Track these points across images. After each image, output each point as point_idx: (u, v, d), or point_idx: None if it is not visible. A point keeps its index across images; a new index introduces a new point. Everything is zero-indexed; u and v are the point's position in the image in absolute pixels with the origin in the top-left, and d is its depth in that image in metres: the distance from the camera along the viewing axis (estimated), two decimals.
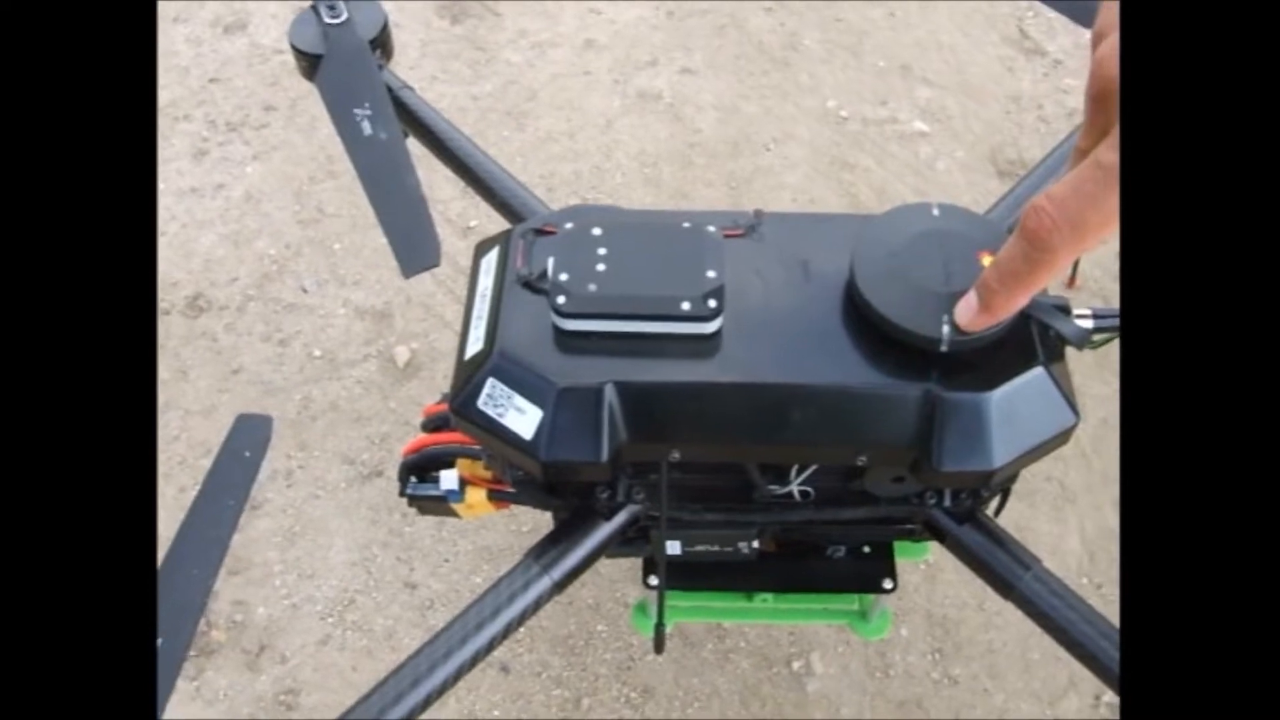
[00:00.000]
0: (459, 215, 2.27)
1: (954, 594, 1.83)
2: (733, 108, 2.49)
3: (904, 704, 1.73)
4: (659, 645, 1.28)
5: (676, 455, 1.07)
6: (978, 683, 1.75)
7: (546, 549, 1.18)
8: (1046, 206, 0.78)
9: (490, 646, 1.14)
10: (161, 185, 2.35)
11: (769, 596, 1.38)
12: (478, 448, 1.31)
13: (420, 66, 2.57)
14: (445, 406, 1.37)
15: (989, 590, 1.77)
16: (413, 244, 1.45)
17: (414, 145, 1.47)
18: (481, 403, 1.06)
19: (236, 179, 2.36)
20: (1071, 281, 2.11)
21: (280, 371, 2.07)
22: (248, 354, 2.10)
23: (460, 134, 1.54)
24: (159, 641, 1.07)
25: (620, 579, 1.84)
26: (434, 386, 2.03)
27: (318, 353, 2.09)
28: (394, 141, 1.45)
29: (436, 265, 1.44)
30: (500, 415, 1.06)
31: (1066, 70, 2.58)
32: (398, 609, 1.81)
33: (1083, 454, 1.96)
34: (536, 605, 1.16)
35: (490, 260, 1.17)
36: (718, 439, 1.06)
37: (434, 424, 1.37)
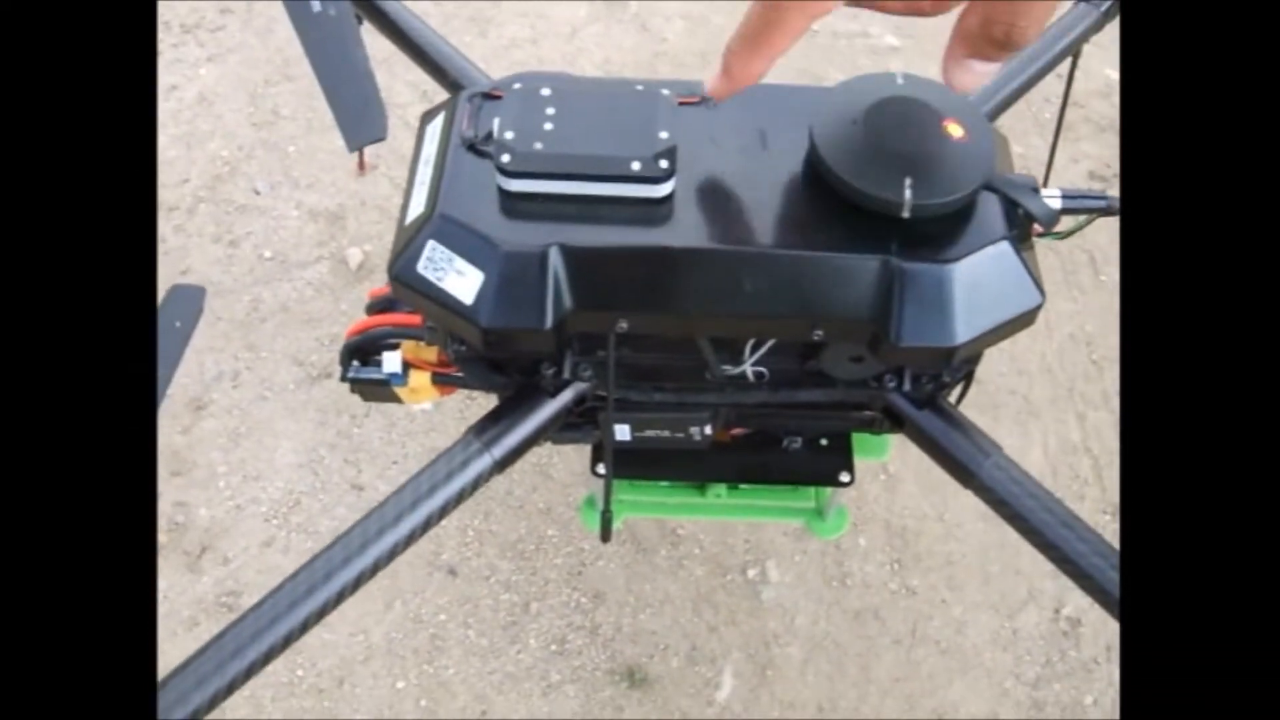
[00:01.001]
0: (416, 118, 2.21)
1: (914, 505, 1.79)
2: (701, 18, 2.43)
3: (860, 614, 1.70)
4: (605, 534, 1.24)
5: (624, 326, 1.02)
6: (936, 594, 1.72)
7: (487, 426, 1.13)
8: None
9: (426, 525, 1.10)
10: None
11: (722, 491, 1.33)
12: (421, 328, 1.27)
13: None
14: (388, 290, 1.33)
15: (949, 502, 1.75)
16: (359, 118, 1.39)
17: (372, 35, 1.42)
18: (421, 266, 1.01)
19: (190, 80, 2.30)
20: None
21: (230, 273, 2.01)
22: (197, 255, 2.04)
23: (413, 15, 1.48)
24: None
25: (572, 483, 1.80)
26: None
27: (268, 254, 2.04)
28: (343, 17, 1.39)
29: (383, 139, 1.39)
30: (440, 279, 1.00)
31: None
32: (344, 511, 1.76)
33: (1048, 368, 1.92)
34: (475, 484, 1.11)
35: (435, 126, 1.12)
36: (667, 308, 1.01)
37: (379, 307, 1.32)
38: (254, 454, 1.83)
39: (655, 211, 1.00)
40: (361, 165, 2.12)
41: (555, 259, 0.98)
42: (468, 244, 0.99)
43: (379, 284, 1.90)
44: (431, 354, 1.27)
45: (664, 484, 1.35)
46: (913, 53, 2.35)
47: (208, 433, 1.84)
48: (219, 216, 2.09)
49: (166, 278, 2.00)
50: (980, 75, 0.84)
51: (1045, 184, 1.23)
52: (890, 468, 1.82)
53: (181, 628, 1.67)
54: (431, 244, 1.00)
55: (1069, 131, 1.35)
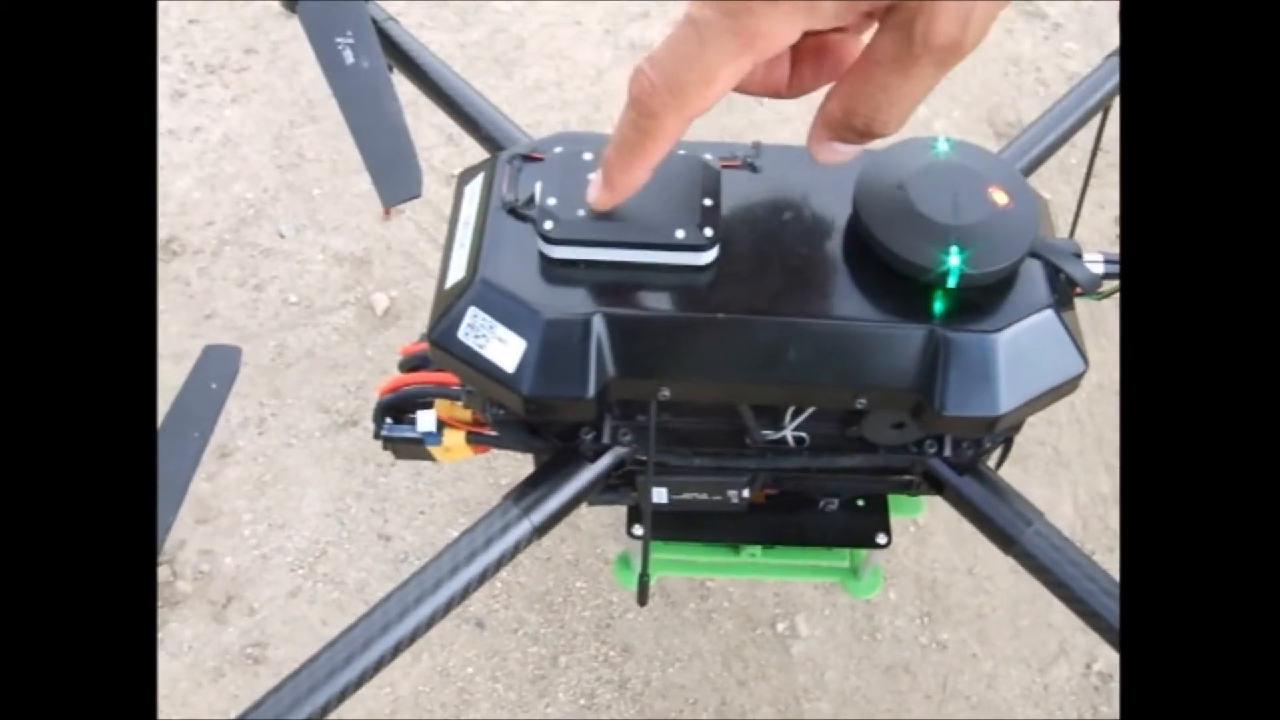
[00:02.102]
0: (443, 163, 2.21)
1: (944, 558, 1.78)
2: None
3: (891, 669, 1.69)
4: (642, 597, 1.23)
5: (666, 393, 1.01)
6: (966, 648, 1.71)
7: (526, 491, 1.12)
8: (645, 69, 0.74)
9: (465, 593, 1.09)
10: None
11: (757, 550, 1.33)
12: (457, 388, 1.26)
13: (407, 14, 2.48)
14: (424, 346, 1.31)
15: (979, 554, 1.74)
16: (394, 174, 1.39)
17: (399, 82, 1.42)
18: (462, 333, 1.00)
19: (214, 122, 2.30)
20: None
21: (255, 317, 2.01)
22: (222, 299, 2.04)
23: (446, 67, 1.48)
24: None
25: (601, 534, 1.79)
26: (413, 334, 1.97)
27: (294, 299, 2.03)
28: (376, 70, 1.39)
29: (417, 196, 1.38)
30: (481, 346, 1.00)
31: (1067, 34, 2.52)
32: (370, 561, 1.75)
33: (1077, 419, 1.91)
34: (515, 550, 1.11)
35: (474, 187, 1.11)
36: (710, 376, 1.01)
37: (412, 364, 1.31)
38: (280, 502, 1.82)
39: (697, 279, 1.00)
40: (387, 211, 2.11)
41: (599, 326, 0.97)
42: (510, 311, 0.99)
43: (405, 329, 1.91)
44: (466, 413, 1.26)
45: (699, 545, 1.34)
46: (939, 97, 2.35)
47: (233, 480, 1.83)
48: (243, 260, 2.09)
49: (191, 321, 2.00)
50: (845, 154, 0.87)
51: (1073, 232, 1.22)
52: (920, 519, 1.81)
53: (207, 679, 1.66)
54: (473, 310, 1.00)
55: (1096, 178, 1.35)
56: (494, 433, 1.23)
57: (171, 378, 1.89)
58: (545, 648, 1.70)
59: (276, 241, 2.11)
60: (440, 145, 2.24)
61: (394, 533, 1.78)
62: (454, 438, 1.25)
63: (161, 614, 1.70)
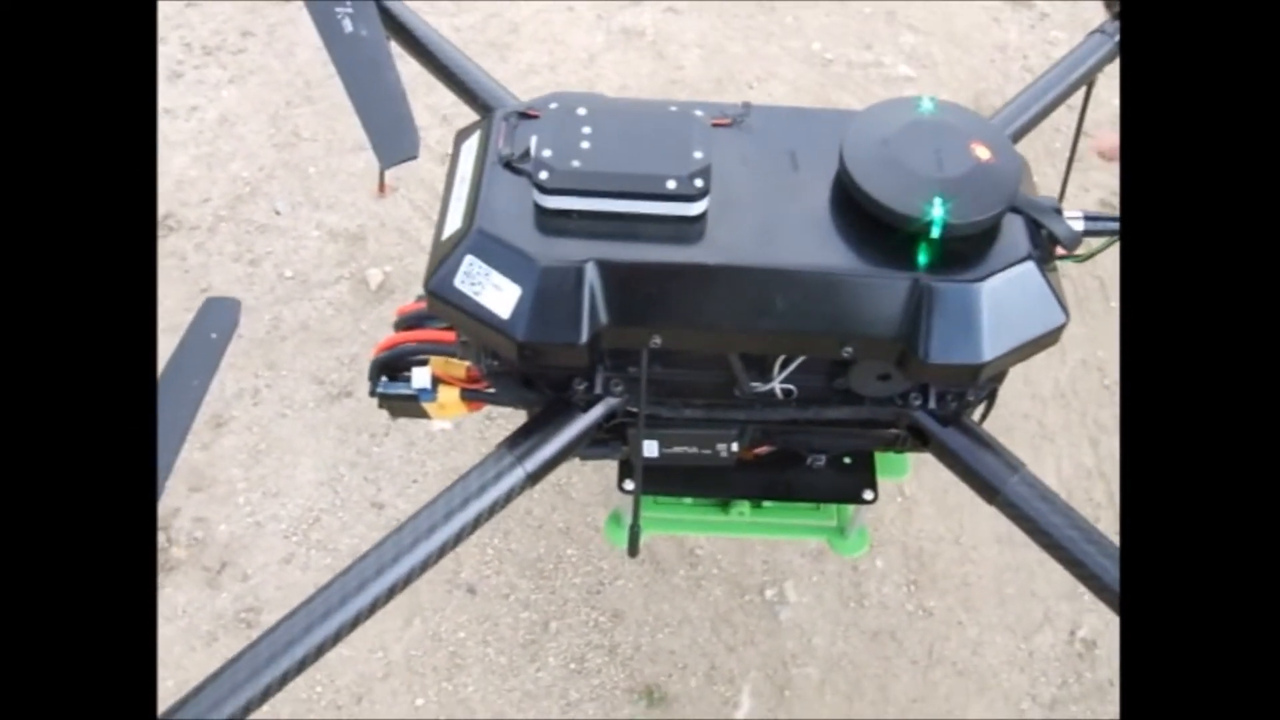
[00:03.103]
0: (437, 143, 2.23)
1: (930, 528, 1.80)
2: (717, 47, 2.45)
3: (878, 634, 1.71)
4: (633, 549, 1.25)
5: (658, 341, 1.04)
6: (952, 615, 1.73)
7: (520, 440, 1.14)
8: None
9: (459, 538, 1.11)
10: None
11: (746, 509, 1.35)
12: (452, 345, 1.28)
13: None
14: (420, 306, 1.34)
15: (965, 525, 1.76)
16: (392, 136, 1.41)
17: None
18: (459, 281, 1.03)
19: (211, 102, 2.32)
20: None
21: (250, 291, 2.03)
22: (217, 273, 2.06)
23: (441, 38, 1.51)
24: None
25: (591, 503, 1.81)
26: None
27: (289, 273, 2.05)
28: (375, 39, 1.41)
29: (415, 157, 1.40)
30: (477, 294, 1.02)
31: (1053, 23, 2.56)
32: (363, 529, 1.77)
33: (1060, 394, 1.94)
34: (508, 497, 1.13)
35: (471, 145, 1.14)
36: (700, 324, 1.03)
37: (407, 323, 1.34)
38: (274, 471, 1.84)
39: (689, 229, 1.03)
40: (382, 187, 2.13)
41: (591, 274, 1.00)
42: (505, 259, 1.01)
43: (399, 303, 1.92)
44: (460, 370, 1.29)
45: (688, 502, 1.36)
46: (927, 81, 2.37)
47: (228, 449, 1.85)
48: (240, 236, 2.11)
49: (187, 295, 2.02)
50: None
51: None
52: (907, 490, 1.83)
53: (200, 643, 1.67)
54: (469, 259, 1.02)
55: (1080, 161, 1.37)
56: (488, 388, 1.26)
57: (167, 350, 1.92)
58: (536, 613, 1.71)
59: (272, 218, 2.13)
60: (435, 126, 2.26)
61: (387, 501, 1.80)
62: (448, 394, 1.28)
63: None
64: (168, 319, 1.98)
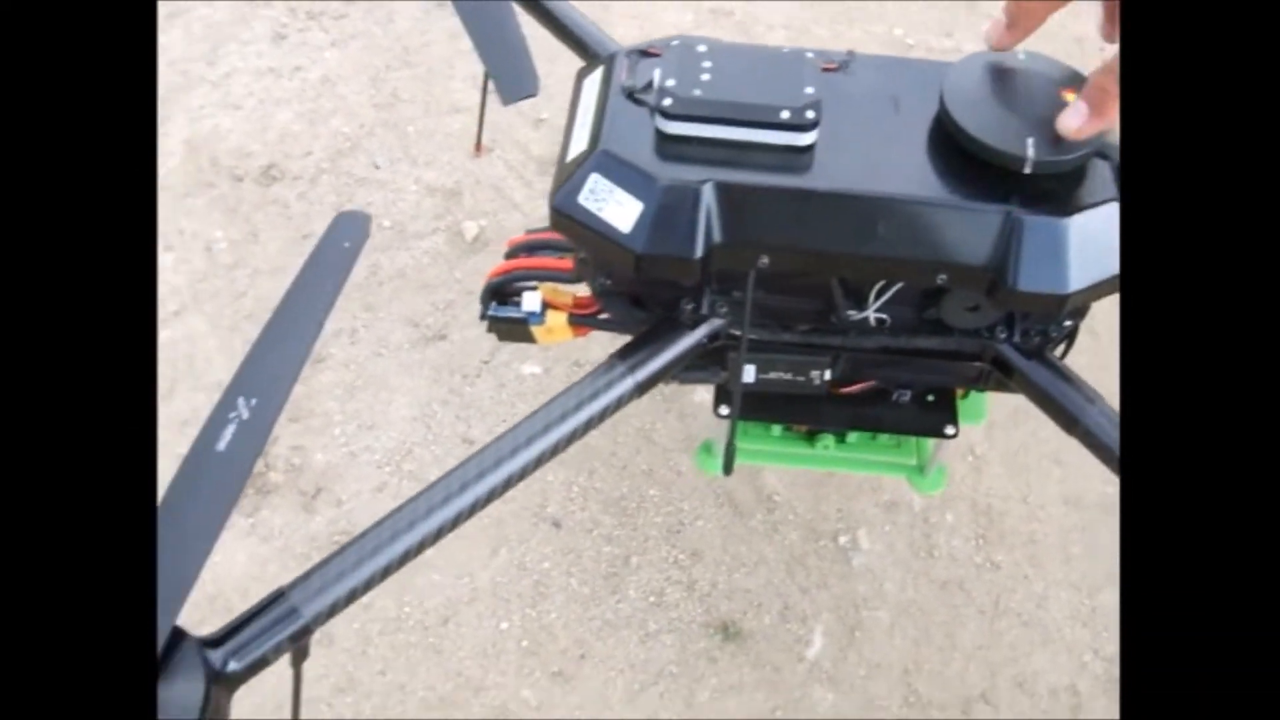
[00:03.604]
0: (530, 107, 2.31)
1: (999, 486, 1.86)
2: (802, 28, 2.53)
3: (946, 584, 1.77)
4: (728, 466, 1.32)
5: (765, 262, 1.11)
6: (1019, 570, 1.78)
7: (630, 353, 1.21)
8: None
9: (570, 439, 1.18)
10: (240, 65, 2.40)
11: (830, 443, 1.41)
12: (562, 271, 1.36)
13: None
14: (529, 237, 1.42)
15: (1033, 485, 1.82)
16: (513, 74, 1.50)
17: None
18: (582, 197, 1.10)
19: (314, 63, 2.41)
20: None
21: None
22: (318, 221, 2.14)
23: None
24: (253, 402, 1.11)
25: (673, 448, 1.88)
26: (500, 260, 2.07)
27: (387, 223, 2.14)
28: None
29: (535, 95, 1.49)
30: (600, 209, 1.10)
31: None
32: (454, 462, 1.78)
33: (1093, 332, 1.97)
34: (617, 405, 1.20)
35: (593, 80, 1.22)
36: (806, 247, 1.10)
37: (520, 251, 1.41)
38: (369, 405, 1.92)
39: (799, 159, 1.10)
40: (479, 147, 2.22)
41: (708, 195, 1.08)
42: (628, 177, 1.09)
43: (494, 255, 2.01)
44: (568, 298, 1.36)
45: (775, 434, 1.42)
46: None
47: (325, 384, 1.93)
48: (340, 187, 2.19)
49: (289, 240, 2.11)
50: (1072, 115, 1.08)
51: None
52: (978, 450, 1.89)
53: (295, 562, 1.75)
54: (594, 177, 1.10)
55: None
56: (596, 313, 1.33)
57: (268, 290, 2.01)
58: (618, 548, 1.78)
59: (371, 172, 2.22)
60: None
61: (477, 437, 1.88)
62: (556, 319, 1.35)
63: (253, 501, 1.80)
64: (271, 261, 2.07)
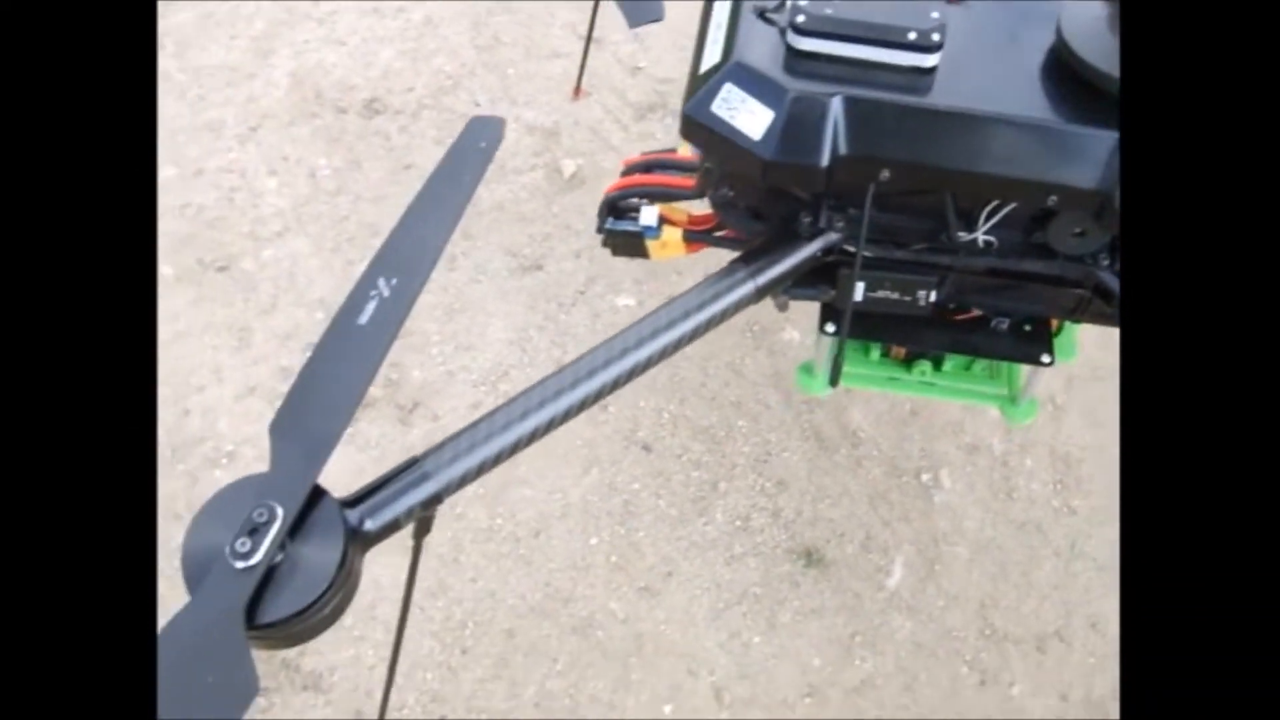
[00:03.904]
0: (628, 56, 2.36)
1: (1078, 436, 1.90)
2: None
3: (1024, 526, 1.81)
4: (835, 378, 1.36)
5: (886, 175, 1.16)
6: (1095, 515, 1.82)
7: (751, 260, 1.26)
8: None
9: (692, 335, 1.22)
10: (344, 4, 2.46)
11: (927, 369, 1.46)
12: (678, 189, 1.41)
13: None
14: (644, 157, 1.47)
15: (1112, 436, 1.86)
16: (639, 1, 1.55)
17: None
18: (715, 105, 1.16)
19: (417, 4, 2.47)
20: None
21: None
22: (419, 154, 2.20)
23: None
24: (393, 281, 1.16)
25: (762, 383, 1.93)
26: (597, 198, 2.11)
27: None
28: None
29: (660, 19, 1.54)
30: (732, 117, 1.15)
31: None
32: None
33: None
34: (737, 307, 1.24)
35: (722, 1, 1.27)
36: (927, 163, 1.15)
37: (636, 170, 1.46)
38: (466, 328, 1.97)
39: (922, 79, 1.16)
40: (578, 90, 2.27)
41: (836, 108, 1.13)
42: (760, 87, 1.15)
43: (590, 193, 2.07)
44: (684, 215, 1.42)
45: (875, 359, 1.47)
46: None
47: (424, 306, 1.99)
48: (441, 122, 2.25)
49: (390, 170, 2.17)
50: None
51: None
52: (1058, 399, 1.93)
53: None
54: (728, 86, 1.16)
55: None
56: (709, 230, 1.39)
57: (370, 215, 2.08)
58: (706, 473, 1.83)
59: (472, 109, 2.28)
60: (626, 41, 2.39)
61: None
62: (671, 234, 1.41)
63: None
64: (373, 189, 2.13)
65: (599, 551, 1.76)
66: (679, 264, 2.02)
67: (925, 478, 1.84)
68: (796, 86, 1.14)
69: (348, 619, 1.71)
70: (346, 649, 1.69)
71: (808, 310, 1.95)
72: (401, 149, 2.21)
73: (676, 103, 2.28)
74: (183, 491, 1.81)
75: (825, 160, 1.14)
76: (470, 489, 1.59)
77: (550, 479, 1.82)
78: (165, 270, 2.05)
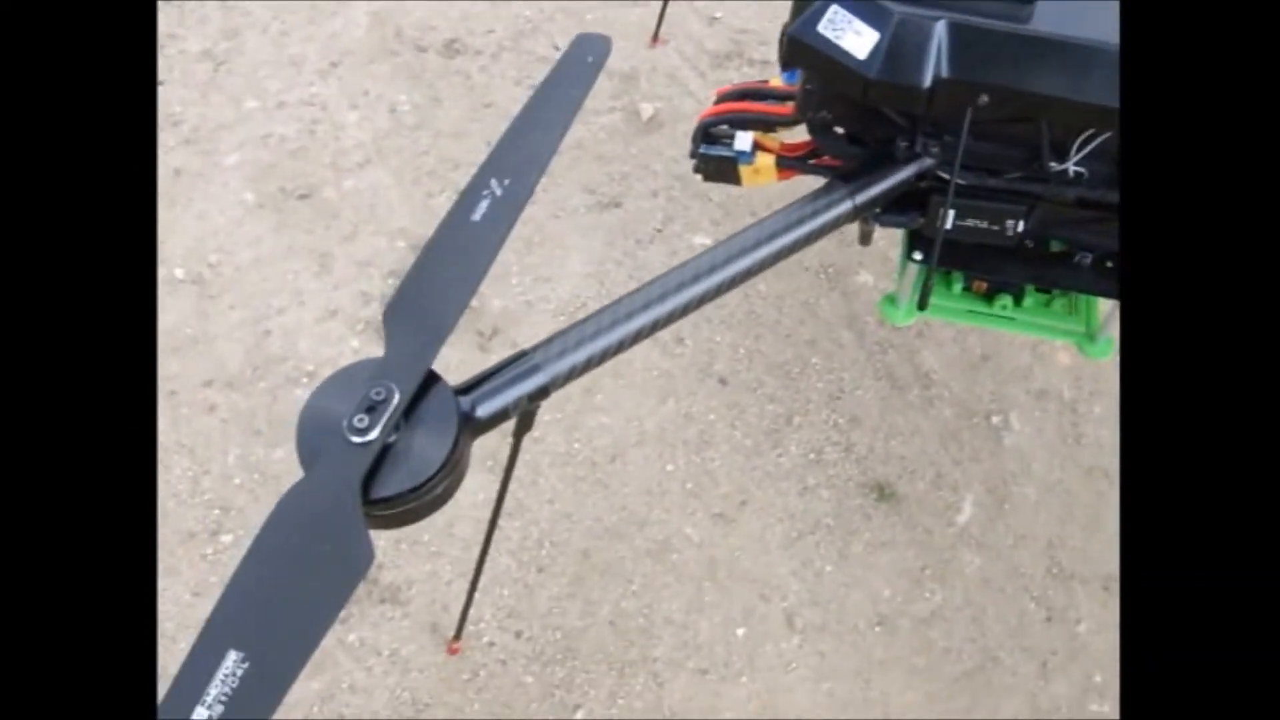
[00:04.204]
0: (704, 7, 2.39)
1: None
2: None
3: (1091, 470, 1.83)
4: (924, 301, 1.39)
5: (984, 100, 1.19)
6: None
7: (850, 178, 1.29)
8: None
9: (792, 248, 1.25)
10: None
11: (1008, 303, 1.48)
12: (771, 116, 1.44)
13: None
14: (738, 86, 1.50)
15: None
16: None
17: None
18: (821, 26, 1.19)
19: None
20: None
21: None
22: (499, 93, 2.23)
23: None
24: (506, 182, 1.20)
25: (836, 322, 1.96)
26: (675, 140, 2.16)
27: None
28: None
29: None
30: (838, 38, 1.19)
31: None
32: None
33: None
34: (835, 223, 1.27)
35: None
36: (1026, 88, 1.18)
37: (730, 98, 1.49)
38: (545, 261, 2.00)
39: (1022, 9, 1.19)
40: (656, 37, 2.30)
41: (940, 31, 1.16)
42: (867, 10, 1.19)
43: (668, 136, 2.10)
44: (777, 142, 1.45)
45: (957, 291, 1.50)
46: None
47: None
48: (520, 64, 2.29)
49: (470, 108, 2.20)
50: None
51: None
52: None
53: None
54: (835, 8, 1.20)
55: None
56: (802, 157, 1.42)
57: (450, 151, 2.11)
58: (781, 407, 1.86)
59: (551, 52, 2.31)
60: None
61: None
62: (765, 160, 1.44)
63: None
64: (453, 126, 2.17)
65: (674, 478, 1.79)
66: (754, 205, 2.06)
67: (995, 420, 1.87)
68: (901, 9, 1.17)
69: (425, 534, 1.76)
70: (424, 564, 1.72)
71: (880, 254, 1.99)
72: (481, 88, 2.24)
73: (753, 52, 2.33)
74: (263, 409, 1.85)
75: (927, 81, 1.17)
76: (547, 415, 1.63)
77: (627, 408, 1.85)
78: (247, 196, 2.09)
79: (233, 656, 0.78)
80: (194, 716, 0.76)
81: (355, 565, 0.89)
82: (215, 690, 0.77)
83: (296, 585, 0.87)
